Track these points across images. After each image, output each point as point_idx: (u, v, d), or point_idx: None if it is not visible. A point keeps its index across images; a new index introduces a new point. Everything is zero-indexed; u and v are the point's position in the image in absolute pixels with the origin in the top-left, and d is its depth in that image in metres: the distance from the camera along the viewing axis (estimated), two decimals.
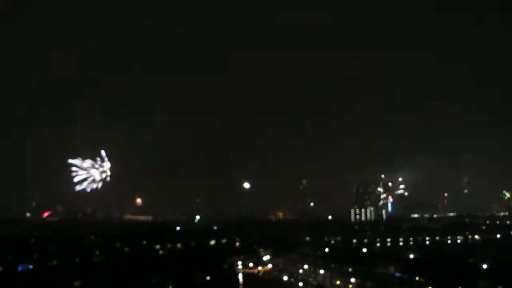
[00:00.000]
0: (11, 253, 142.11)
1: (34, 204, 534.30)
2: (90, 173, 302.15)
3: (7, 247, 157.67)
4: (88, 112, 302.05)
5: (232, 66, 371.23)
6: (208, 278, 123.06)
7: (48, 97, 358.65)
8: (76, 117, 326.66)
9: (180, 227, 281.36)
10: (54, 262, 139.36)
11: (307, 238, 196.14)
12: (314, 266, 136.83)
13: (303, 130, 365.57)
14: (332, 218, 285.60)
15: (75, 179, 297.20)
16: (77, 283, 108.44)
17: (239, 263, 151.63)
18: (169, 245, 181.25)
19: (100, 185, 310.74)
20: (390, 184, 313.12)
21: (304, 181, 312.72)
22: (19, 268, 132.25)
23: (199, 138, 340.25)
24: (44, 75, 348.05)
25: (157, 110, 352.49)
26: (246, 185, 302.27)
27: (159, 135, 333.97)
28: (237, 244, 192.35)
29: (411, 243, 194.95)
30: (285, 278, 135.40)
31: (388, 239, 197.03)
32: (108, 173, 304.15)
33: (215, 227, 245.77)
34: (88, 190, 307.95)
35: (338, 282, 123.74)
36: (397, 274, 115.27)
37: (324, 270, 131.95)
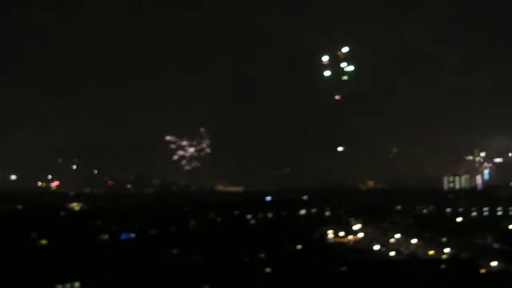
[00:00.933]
0: (115, 223, 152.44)
1: (132, 178, 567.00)
2: (187, 150, 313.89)
3: (111, 217, 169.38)
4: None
5: None
6: (299, 247, 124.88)
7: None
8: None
9: (270, 197, 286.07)
10: (153, 231, 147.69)
11: (398, 207, 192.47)
12: (406, 235, 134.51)
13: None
14: (423, 186, 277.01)
15: (173, 157, 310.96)
16: (174, 251, 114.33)
17: (330, 232, 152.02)
18: (259, 215, 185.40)
19: (196, 162, 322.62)
20: (485, 152, 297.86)
21: (394, 149, 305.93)
22: (123, 237, 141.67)
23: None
24: None
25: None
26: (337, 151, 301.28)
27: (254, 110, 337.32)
28: (327, 213, 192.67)
29: (510, 212, 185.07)
30: (376, 247, 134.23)
31: (485, 208, 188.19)
32: (208, 150, 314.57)
33: (305, 197, 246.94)
34: (186, 167, 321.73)
35: (431, 252, 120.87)
36: (495, 245, 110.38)
37: (416, 239, 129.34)
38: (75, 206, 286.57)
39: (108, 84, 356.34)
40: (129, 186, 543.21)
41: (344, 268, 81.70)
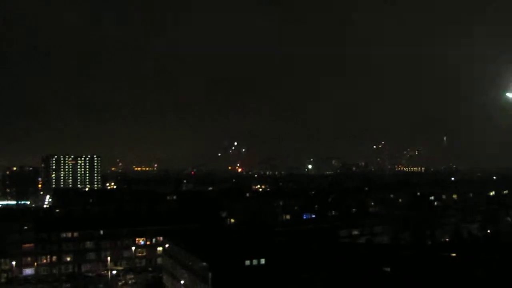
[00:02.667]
0: (297, 204, 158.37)
1: (311, 160, 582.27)
2: None
3: (293, 198, 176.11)
4: None
5: None
6: (488, 231, 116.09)
7: None
8: None
9: (455, 178, 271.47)
10: (333, 212, 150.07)
11: None
12: None
13: None
14: None
15: None
16: (355, 232, 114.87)
17: None
18: (443, 196, 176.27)
19: None
20: None
21: None
22: (304, 217, 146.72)
23: None
24: None
25: None
26: None
27: None
28: None
29: None
30: None
31: None
32: None
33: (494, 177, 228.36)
34: None
35: None
36: None
37: None
38: (259, 187, 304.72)
39: None
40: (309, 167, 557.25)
41: None
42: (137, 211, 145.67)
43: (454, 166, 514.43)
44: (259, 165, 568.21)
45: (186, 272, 77.60)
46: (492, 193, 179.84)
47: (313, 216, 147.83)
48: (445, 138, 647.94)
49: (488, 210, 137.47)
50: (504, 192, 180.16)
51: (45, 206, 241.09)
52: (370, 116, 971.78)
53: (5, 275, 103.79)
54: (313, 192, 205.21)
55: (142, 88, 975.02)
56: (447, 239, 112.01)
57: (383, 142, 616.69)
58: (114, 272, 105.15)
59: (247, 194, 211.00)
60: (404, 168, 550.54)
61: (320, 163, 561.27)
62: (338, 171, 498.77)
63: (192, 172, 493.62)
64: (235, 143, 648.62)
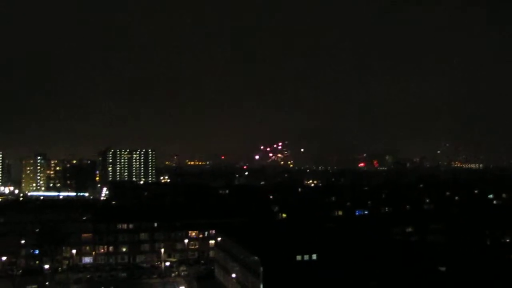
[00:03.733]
0: (350, 200, 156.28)
1: (365, 155, 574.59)
2: None
3: (345, 194, 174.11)
4: None
5: None
6: None
7: None
8: None
9: None
10: (387, 209, 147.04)
11: None
12: None
13: None
14: None
15: None
16: (408, 229, 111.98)
17: None
18: (504, 195, 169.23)
19: None
20: None
21: None
22: (357, 213, 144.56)
23: None
24: None
25: None
26: None
27: None
28: None
29: None
30: None
31: None
32: None
33: None
34: None
35: None
36: None
37: None
38: (311, 182, 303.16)
39: None
40: (361, 164, 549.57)
41: None
42: (190, 205, 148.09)
43: None
44: (312, 160, 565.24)
45: (237, 266, 78.28)
46: None
47: (366, 212, 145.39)
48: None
49: None
50: None
51: (102, 198, 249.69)
52: (424, 112, 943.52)
53: (66, 262, 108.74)
54: (366, 188, 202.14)
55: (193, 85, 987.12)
56: (508, 240, 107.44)
57: (442, 139, 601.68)
58: (168, 263, 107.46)
59: (299, 189, 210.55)
60: (462, 165, 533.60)
61: (373, 159, 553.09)
62: (392, 167, 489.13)
63: (245, 167, 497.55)
64: (287, 140, 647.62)
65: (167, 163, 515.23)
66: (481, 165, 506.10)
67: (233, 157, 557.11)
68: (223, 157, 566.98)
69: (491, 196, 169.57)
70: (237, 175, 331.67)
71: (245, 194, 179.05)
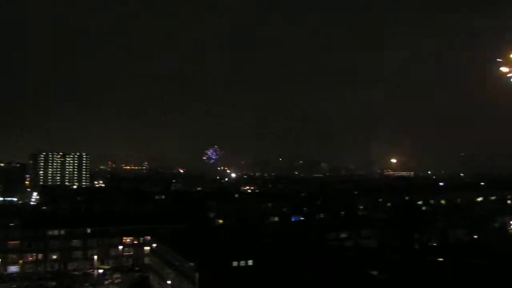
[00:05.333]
0: (286, 206, 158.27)
1: (300, 162, 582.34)
2: None
3: (282, 200, 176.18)
4: None
5: None
6: (475, 236, 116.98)
7: None
8: None
9: (444, 183, 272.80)
10: (321, 215, 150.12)
11: None
12: None
13: None
14: None
15: None
16: (343, 235, 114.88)
17: None
18: (431, 201, 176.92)
19: None
20: None
21: None
22: (293, 219, 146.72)
23: None
24: None
25: None
26: None
27: None
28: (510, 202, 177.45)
29: None
30: None
31: None
32: None
33: (482, 183, 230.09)
34: None
35: None
36: None
37: None
38: (247, 188, 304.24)
39: None
40: (296, 172, 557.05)
41: None
42: (125, 210, 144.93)
43: (443, 171, 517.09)
44: (248, 166, 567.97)
45: (173, 272, 77.39)
46: (479, 199, 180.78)
47: (302, 218, 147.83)
48: None
49: (475, 215, 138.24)
50: (491, 198, 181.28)
51: (32, 203, 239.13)
52: (360, 119, 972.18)
53: None
54: (302, 195, 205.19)
55: (130, 88, 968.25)
56: (435, 244, 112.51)
57: (372, 146, 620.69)
58: (101, 271, 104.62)
59: (236, 195, 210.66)
60: (393, 172, 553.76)
61: (309, 166, 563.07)
62: (328, 174, 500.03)
63: (181, 169, 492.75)
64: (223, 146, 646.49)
65: (101, 167, 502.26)
66: (412, 173, 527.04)
67: (170, 162, 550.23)
68: (158, 161, 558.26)
69: (420, 202, 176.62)
70: (173, 181, 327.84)
71: (181, 200, 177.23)
